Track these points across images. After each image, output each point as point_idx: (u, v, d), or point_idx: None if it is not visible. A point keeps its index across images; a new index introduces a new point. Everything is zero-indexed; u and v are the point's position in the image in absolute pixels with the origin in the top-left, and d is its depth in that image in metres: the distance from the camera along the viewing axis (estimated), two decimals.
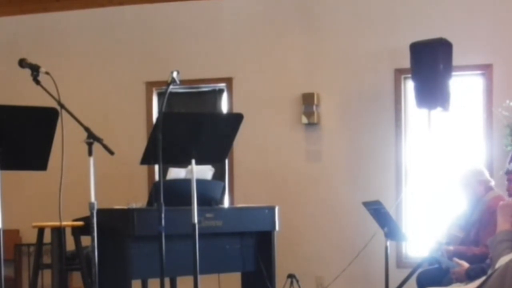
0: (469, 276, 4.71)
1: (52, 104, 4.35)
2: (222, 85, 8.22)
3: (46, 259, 6.33)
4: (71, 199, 5.22)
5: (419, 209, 7.50)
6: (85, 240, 5.25)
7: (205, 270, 5.27)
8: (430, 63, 6.71)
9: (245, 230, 6.05)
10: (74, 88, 7.99)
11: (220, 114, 7.61)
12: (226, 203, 7.70)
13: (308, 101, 7.78)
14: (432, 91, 6.72)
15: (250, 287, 6.29)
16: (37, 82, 4.37)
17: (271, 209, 6.13)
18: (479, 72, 7.46)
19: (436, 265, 5.48)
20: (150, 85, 8.32)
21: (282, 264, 6.84)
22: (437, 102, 6.76)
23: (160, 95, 8.30)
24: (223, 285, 6.44)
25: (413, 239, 7.12)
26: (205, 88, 8.29)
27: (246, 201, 7.03)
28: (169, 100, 5.06)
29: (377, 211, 5.97)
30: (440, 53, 6.72)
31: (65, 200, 4.46)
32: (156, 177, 7.21)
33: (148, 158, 4.92)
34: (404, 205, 7.53)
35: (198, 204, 4.90)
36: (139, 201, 5.82)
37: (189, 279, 5.00)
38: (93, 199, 4.44)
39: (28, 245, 8.31)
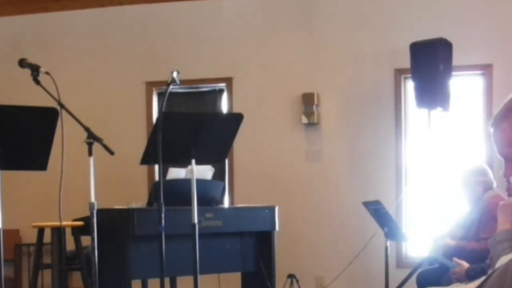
0: (469, 276, 4.71)
1: (52, 104, 4.36)
2: (222, 85, 8.22)
3: (46, 259, 6.34)
4: (71, 199, 5.23)
5: (419, 209, 7.50)
6: (85, 240, 5.25)
7: (205, 270, 5.28)
8: (430, 63, 6.71)
9: (245, 230, 6.05)
10: (74, 88, 7.99)
11: (220, 114, 7.61)
12: (226, 203, 7.70)
13: (308, 101, 7.78)
14: (432, 91, 6.72)
15: (250, 287, 6.29)
16: (37, 82, 4.38)
17: (271, 209, 6.13)
18: (479, 72, 7.46)
19: (436, 265, 5.49)
20: (150, 85, 8.32)
21: (282, 264, 6.84)
22: (437, 102, 6.76)
23: (160, 95, 8.30)
24: (223, 285, 6.44)
25: (413, 239, 7.12)
26: (205, 88, 8.29)
27: (246, 201, 7.03)
28: (169, 100, 5.07)
29: (377, 211, 5.97)
30: (440, 53, 6.72)
31: (65, 200, 4.47)
32: (156, 177, 7.21)
33: (148, 158, 4.93)
34: (404, 205, 7.53)
35: (198, 204, 4.91)
36: (139, 201, 5.82)
37: (189, 279, 5.00)
38: (93, 199, 4.45)
39: (28, 245, 8.31)
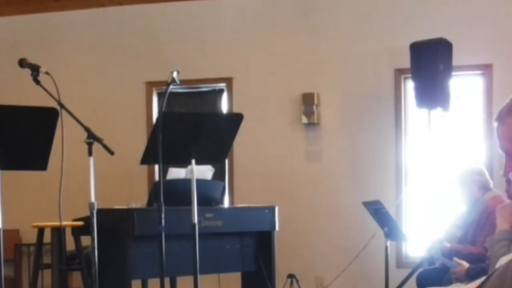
0: (470, 276, 4.71)
1: (52, 104, 4.36)
2: (222, 85, 8.22)
3: (46, 259, 6.34)
4: (71, 199, 5.23)
5: (419, 209, 7.50)
6: (85, 240, 5.25)
7: (205, 270, 5.28)
8: (430, 63, 6.71)
9: (245, 230, 6.05)
10: (74, 88, 7.99)
11: (220, 114, 7.61)
12: (226, 203, 7.70)
13: (308, 101, 7.78)
14: (432, 91, 6.72)
15: (250, 287, 6.29)
16: (37, 82, 4.38)
17: (271, 209, 6.13)
18: (479, 72, 7.46)
19: (436, 265, 5.49)
20: (150, 85, 8.32)
21: (282, 264, 6.84)
22: (437, 102, 6.76)
23: (160, 95, 8.30)
24: (223, 285, 6.44)
25: (413, 239, 7.12)
26: (205, 88, 8.29)
27: (246, 201, 7.03)
28: (169, 100, 5.07)
29: (377, 211, 5.97)
30: (440, 53, 6.72)
31: (65, 200, 4.47)
32: (156, 177, 7.21)
33: (148, 158, 4.93)
34: (404, 205, 7.53)
35: (198, 204, 4.91)
36: (139, 201, 5.82)
37: (189, 279, 5.00)
38: (93, 199, 4.45)
39: (28, 245, 8.31)
